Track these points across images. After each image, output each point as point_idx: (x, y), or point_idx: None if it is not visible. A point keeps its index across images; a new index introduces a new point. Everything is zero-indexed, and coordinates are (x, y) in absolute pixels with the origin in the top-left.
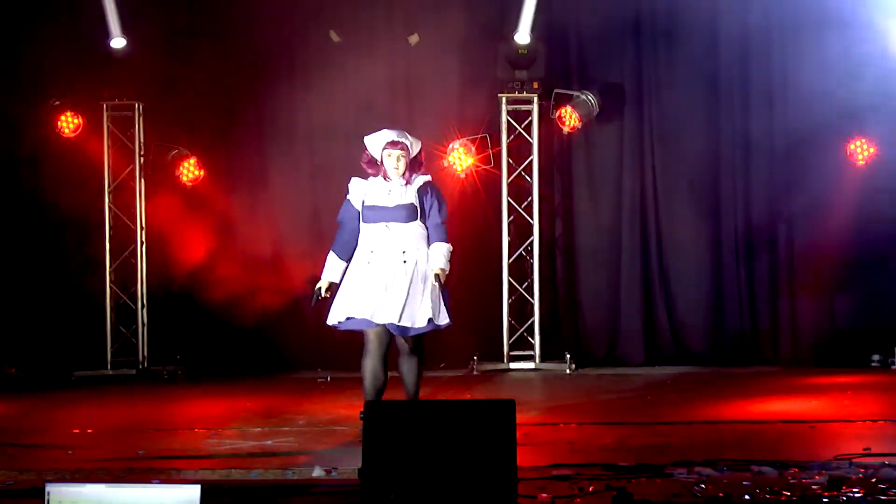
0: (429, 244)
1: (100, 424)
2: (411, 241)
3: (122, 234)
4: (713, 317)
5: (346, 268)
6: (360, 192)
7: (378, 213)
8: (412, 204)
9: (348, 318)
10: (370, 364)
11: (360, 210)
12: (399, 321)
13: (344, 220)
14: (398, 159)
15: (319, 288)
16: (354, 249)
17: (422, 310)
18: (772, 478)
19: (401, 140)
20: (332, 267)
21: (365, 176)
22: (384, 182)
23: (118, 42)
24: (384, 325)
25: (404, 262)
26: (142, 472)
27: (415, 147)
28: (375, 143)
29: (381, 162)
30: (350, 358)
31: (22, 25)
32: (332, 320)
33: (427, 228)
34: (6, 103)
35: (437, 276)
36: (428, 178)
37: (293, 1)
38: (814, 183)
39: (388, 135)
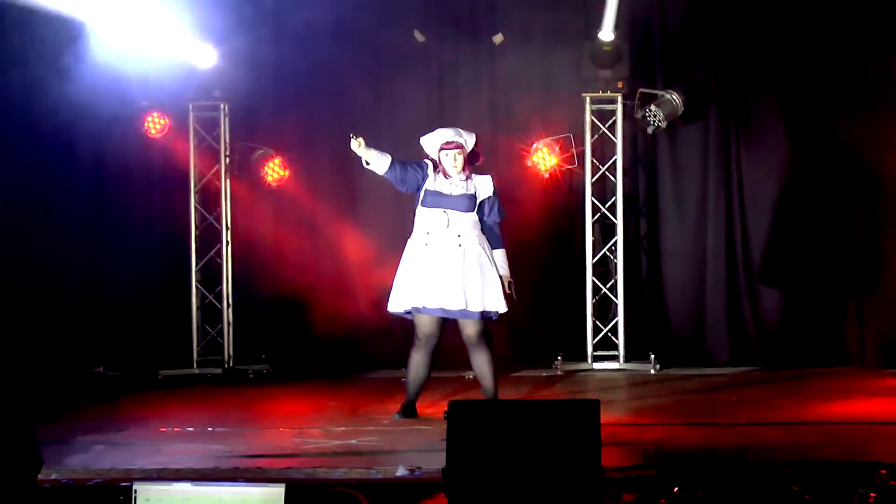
0: (485, 237)
1: (186, 423)
2: (467, 229)
3: (208, 233)
4: (800, 316)
5: (383, 161)
6: (429, 171)
7: (439, 199)
8: (473, 195)
9: (412, 308)
10: (417, 357)
11: (423, 185)
12: (461, 306)
13: (408, 164)
14: (455, 158)
15: (357, 138)
16: (396, 165)
17: (481, 295)
18: (859, 479)
19: (455, 139)
20: (380, 154)
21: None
22: (445, 179)
23: (208, 61)
24: (439, 316)
25: (459, 245)
26: (227, 471)
27: (469, 142)
28: (431, 143)
29: (440, 161)
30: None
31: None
32: (394, 308)
33: (482, 223)
34: (93, 105)
35: (509, 283)
36: (490, 179)
37: (377, 2)
38: None
39: (442, 135)
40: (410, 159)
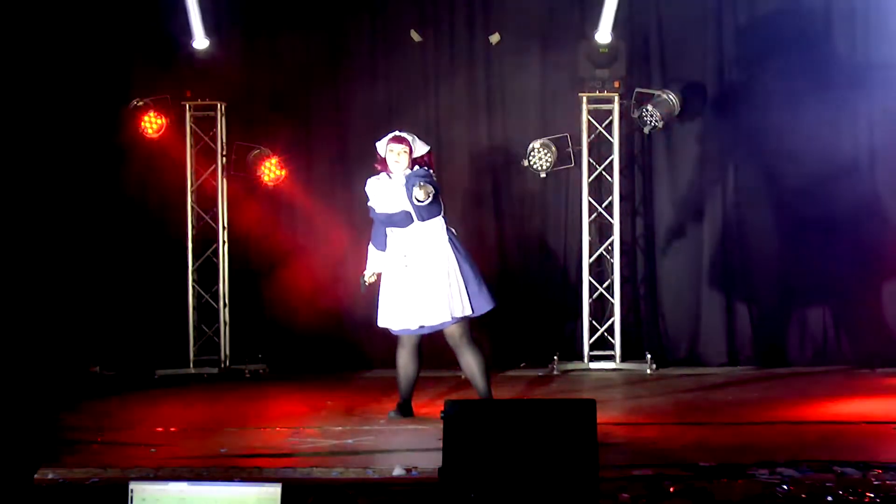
0: (435, 238)
1: (182, 423)
2: (412, 243)
3: (205, 233)
4: (795, 316)
5: (375, 254)
6: (371, 194)
7: (386, 220)
8: (406, 211)
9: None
10: (402, 354)
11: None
12: (416, 326)
13: (374, 217)
14: (399, 154)
15: (363, 277)
16: (378, 237)
17: (438, 306)
18: (855, 479)
19: (402, 136)
20: (373, 257)
21: (378, 174)
22: (387, 180)
23: (201, 43)
24: (395, 331)
25: (406, 266)
26: (224, 471)
27: (419, 147)
28: (382, 143)
29: (385, 159)
30: (430, 357)
31: (105, 25)
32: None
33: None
34: (89, 104)
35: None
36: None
37: (373, 1)
38: None
39: (391, 134)
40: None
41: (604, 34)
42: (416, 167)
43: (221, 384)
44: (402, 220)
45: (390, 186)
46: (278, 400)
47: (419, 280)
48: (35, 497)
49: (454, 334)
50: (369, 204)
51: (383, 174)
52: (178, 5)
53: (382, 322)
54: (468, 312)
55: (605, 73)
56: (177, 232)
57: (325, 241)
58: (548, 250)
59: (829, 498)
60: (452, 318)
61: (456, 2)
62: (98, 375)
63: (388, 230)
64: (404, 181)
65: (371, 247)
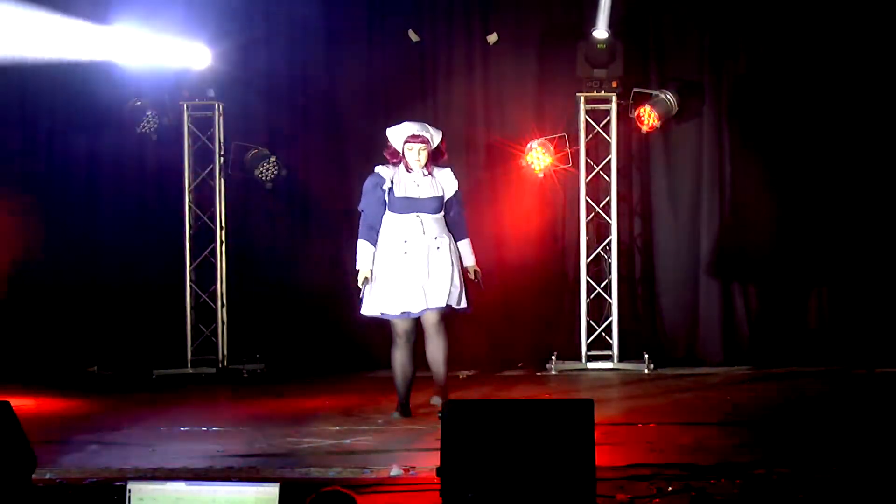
0: (451, 233)
1: (180, 423)
2: (439, 230)
3: (202, 233)
4: (794, 316)
5: (375, 252)
6: (387, 179)
7: (410, 204)
8: (441, 196)
9: (401, 315)
10: (400, 355)
11: (386, 198)
12: (444, 303)
13: (369, 206)
14: (419, 152)
15: (366, 279)
16: (369, 228)
17: (457, 291)
18: (853, 478)
19: (421, 133)
20: (368, 254)
21: (387, 163)
22: (408, 173)
23: (203, 59)
24: (416, 314)
25: (438, 248)
26: (221, 471)
27: (436, 138)
28: (397, 135)
29: (403, 154)
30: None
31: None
32: (371, 312)
33: (446, 218)
34: (87, 103)
35: (475, 272)
36: (450, 173)
37: (371, 1)
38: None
39: (408, 128)
40: (368, 196)
41: (601, 30)
42: (443, 170)
43: (219, 384)
44: (436, 207)
45: (414, 177)
46: (276, 400)
47: (449, 260)
48: (33, 497)
49: (436, 318)
50: (373, 186)
51: (398, 167)
52: (179, 5)
53: (402, 307)
54: (466, 305)
55: (602, 73)
56: (174, 232)
57: (322, 241)
58: (545, 250)
59: (828, 498)
60: (462, 307)
61: (454, 2)
62: (96, 375)
63: (413, 216)
64: (454, 190)
65: (365, 243)
